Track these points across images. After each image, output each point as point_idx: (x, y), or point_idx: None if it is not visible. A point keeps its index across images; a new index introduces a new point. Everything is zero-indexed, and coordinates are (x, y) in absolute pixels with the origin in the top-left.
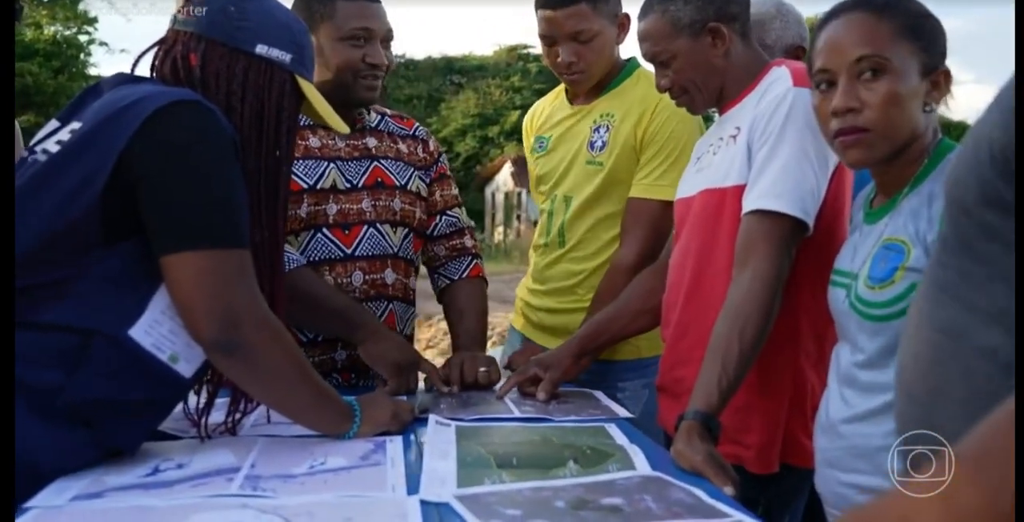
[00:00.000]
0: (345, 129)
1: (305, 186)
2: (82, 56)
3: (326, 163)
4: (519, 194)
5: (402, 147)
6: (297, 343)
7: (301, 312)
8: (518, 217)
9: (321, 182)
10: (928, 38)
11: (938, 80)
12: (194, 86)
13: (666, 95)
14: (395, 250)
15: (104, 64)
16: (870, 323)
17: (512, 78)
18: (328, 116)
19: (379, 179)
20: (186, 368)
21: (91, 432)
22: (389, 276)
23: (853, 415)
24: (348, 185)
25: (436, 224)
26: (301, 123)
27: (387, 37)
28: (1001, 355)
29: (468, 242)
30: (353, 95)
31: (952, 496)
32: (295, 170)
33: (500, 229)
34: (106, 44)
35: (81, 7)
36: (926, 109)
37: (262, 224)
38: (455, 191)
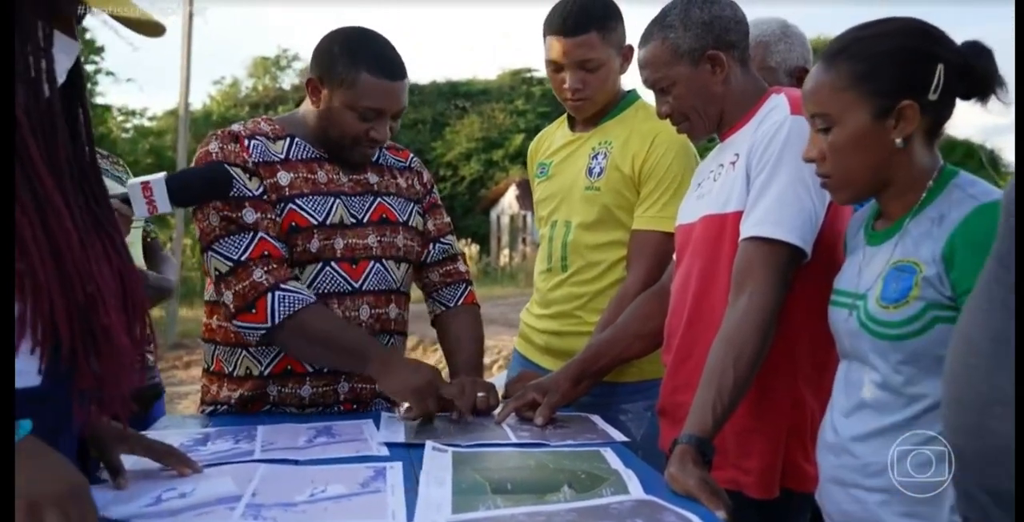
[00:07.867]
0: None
1: (315, 222)
2: (89, 85)
3: (332, 198)
4: (524, 217)
5: (400, 181)
6: (302, 373)
7: (313, 350)
8: (523, 240)
9: (330, 218)
10: (882, 78)
11: (903, 114)
12: None
13: (663, 128)
14: (398, 285)
15: (111, 93)
16: (885, 342)
17: (516, 101)
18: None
19: (383, 215)
20: (28, 379)
21: None
22: (392, 311)
23: (866, 433)
24: (354, 220)
25: (430, 251)
26: (305, 155)
27: (398, 114)
28: None
29: (461, 267)
30: (347, 157)
31: None
32: (304, 206)
33: (505, 252)
34: (113, 74)
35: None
36: (897, 144)
37: (31, 186)
38: (447, 219)
